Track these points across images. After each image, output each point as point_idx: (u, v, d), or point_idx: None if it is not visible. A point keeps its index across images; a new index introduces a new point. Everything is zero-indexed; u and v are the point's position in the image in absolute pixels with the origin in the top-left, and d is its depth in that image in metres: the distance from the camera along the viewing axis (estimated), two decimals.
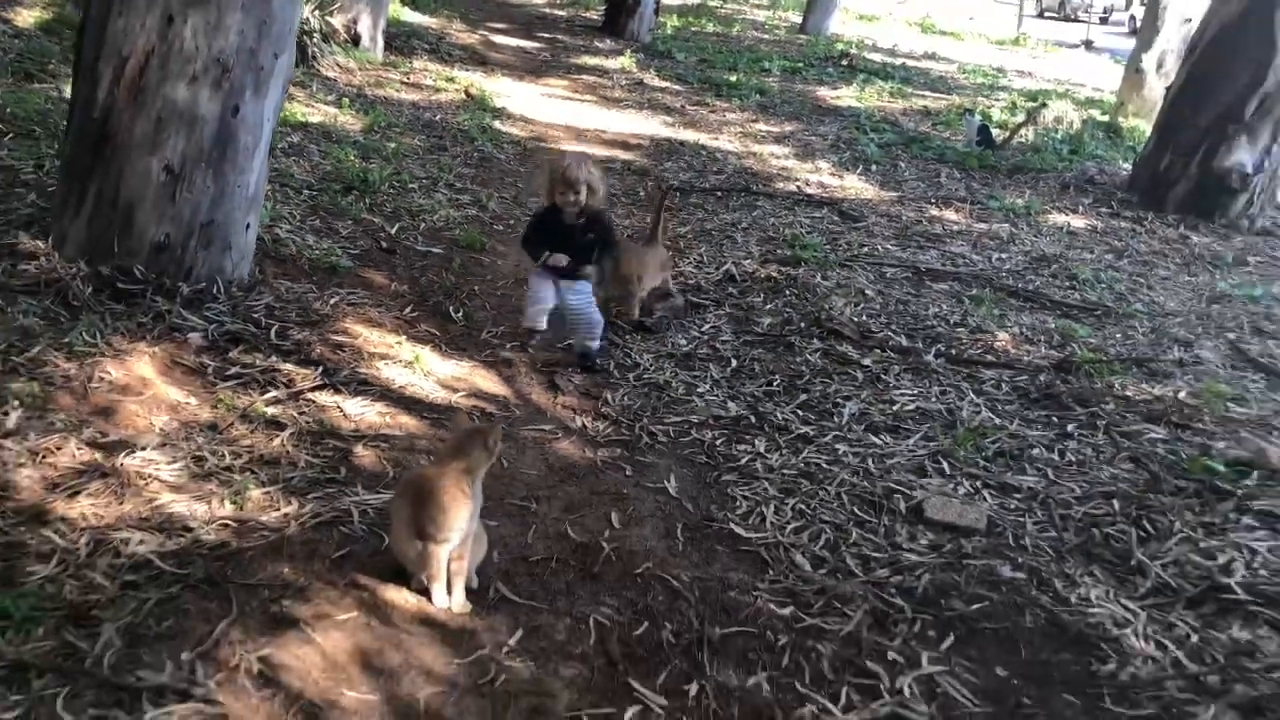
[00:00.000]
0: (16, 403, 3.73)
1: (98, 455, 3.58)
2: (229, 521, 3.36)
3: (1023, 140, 11.81)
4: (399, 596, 3.13)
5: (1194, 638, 3.22)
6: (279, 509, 3.48)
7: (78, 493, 3.37)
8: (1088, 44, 27.85)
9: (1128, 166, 10.61)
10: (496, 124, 10.15)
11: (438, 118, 9.86)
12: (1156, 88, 12.56)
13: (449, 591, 3.11)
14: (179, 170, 4.72)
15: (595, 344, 5.07)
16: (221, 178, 4.83)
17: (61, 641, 2.73)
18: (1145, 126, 11.78)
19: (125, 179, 4.69)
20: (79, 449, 3.59)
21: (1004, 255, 7.76)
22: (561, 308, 5.05)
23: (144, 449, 3.67)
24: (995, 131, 11.62)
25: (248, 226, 5.07)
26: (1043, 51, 24.56)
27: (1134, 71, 13.65)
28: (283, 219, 6.08)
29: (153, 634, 2.81)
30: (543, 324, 5.10)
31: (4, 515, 3.18)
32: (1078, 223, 8.96)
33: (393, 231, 6.49)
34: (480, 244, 6.58)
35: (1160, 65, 13.22)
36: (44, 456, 3.51)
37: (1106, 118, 13.43)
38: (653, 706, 2.81)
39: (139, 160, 4.68)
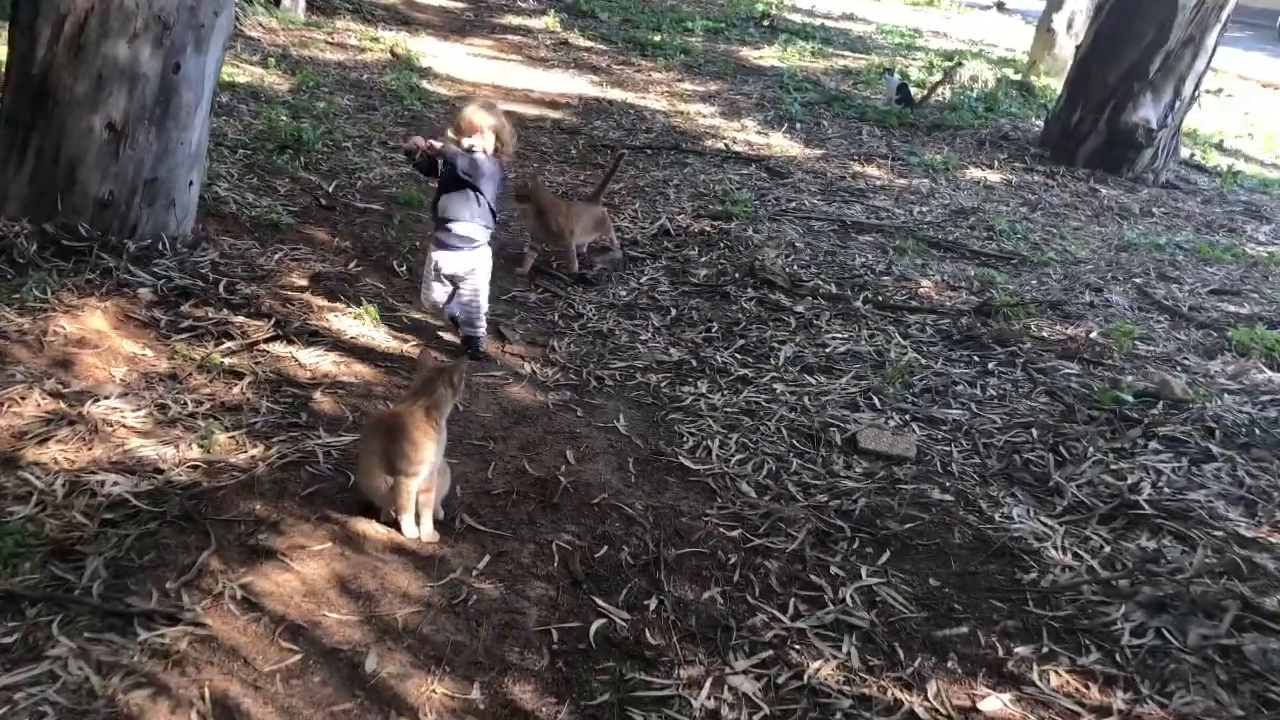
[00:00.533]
0: None
1: (62, 404, 3.67)
2: (198, 463, 3.48)
3: (940, 99, 12.15)
4: (370, 529, 3.29)
5: (1106, 549, 3.52)
6: (246, 451, 3.61)
7: (47, 439, 3.46)
8: (1000, 5, 28.37)
9: (1040, 123, 10.99)
10: (424, 83, 10.17)
11: (365, 77, 9.86)
12: (1067, 47, 12.97)
13: (417, 523, 3.28)
14: (121, 128, 4.76)
15: (480, 329, 4.70)
16: (164, 135, 4.88)
17: (49, 574, 2.85)
18: (1056, 85, 12.17)
19: (67, 136, 4.72)
20: (42, 399, 3.68)
21: (925, 208, 8.06)
22: (453, 280, 4.63)
23: (107, 398, 3.77)
24: (914, 90, 11.93)
25: (190, 183, 5.13)
26: (956, 13, 24.98)
27: (1045, 31, 14.07)
28: (221, 177, 6.12)
29: (136, 566, 2.94)
30: (440, 296, 4.69)
31: None
32: (993, 177, 9.31)
33: (330, 189, 6.56)
34: (418, 200, 6.67)
35: (1070, 25, 13.64)
36: (8, 406, 3.60)
37: (1019, 77, 13.83)
38: (616, 620, 3.03)
39: (81, 118, 4.71)
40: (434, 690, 2.68)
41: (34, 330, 4.06)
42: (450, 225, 4.55)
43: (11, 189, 4.79)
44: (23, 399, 3.65)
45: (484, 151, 4.45)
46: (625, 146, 9.00)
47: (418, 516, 3.29)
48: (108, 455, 3.44)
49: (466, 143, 4.42)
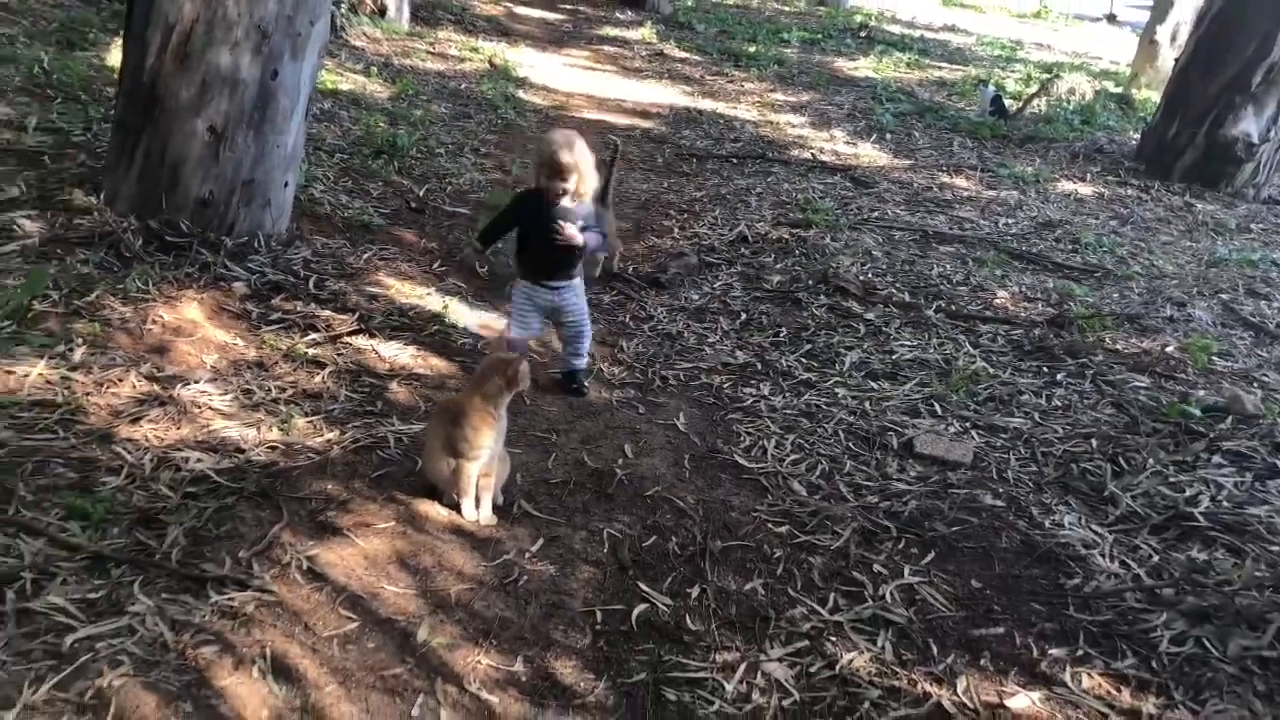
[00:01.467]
0: (80, 340, 4.08)
1: (155, 387, 3.93)
2: (277, 445, 3.71)
3: (1035, 111, 12.03)
4: (432, 510, 3.47)
5: (1155, 558, 3.53)
6: (322, 435, 3.82)
7: (140, 418, 3.72)
8: (1111, 17, 27.81)
9: (1137, 137, 10.82)
10: (519, 93, 10.44)
11: (462, 86, 10.16)
12: (1169, 59, 12.70)
13: (477, 506, 3.45)
14: (222, 131, 5.04)
15: (584, 360, 4.59)
16: (261, 138, 5.16)
17: (133, 540, 3.08)
18: (1157, 97, 11.94)
19: (172, 139, 5.02)
20: (138, 381, 3.94)
21: (1010, 220, 8.03)
22: (553, 316, 4.50)
23: (197, 382, 4.02)
24: (1008, 102, 11.84)
25: (286, 184, 5.40)
26: (1064, 25, 24.59)
27: (1148, 43, 13.81)
28: (317, 180, 6.41)
29: (213, 536, 3.16)
30: (538, 329, 4.55)
31: (76, 435, 3.53)
32: (1085, 190, 9.20)
33: (421, 193, 6.82)
34: (503, 204, 6.87)
35: (1174, 37, 13.38)
36: (107, 387, 3.87)
37: (1120, 89, 13.60)
38: (658, 605, 3.15)
39: (185, 122, 5.01)
40: (479, 661, 2.83)
41: (135, 319, 4.33)
42: (554, 284, 4.39)
43: (121, 188, 5.11)
44: (121, 381, 3.91)
45: (579, 195, 4.22)
46: (712, 155, 9.13)
47: (477, 500, 3.46)
48: (194, 434, 3.68)
49: (562, 186, 4.15)
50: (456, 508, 3.47)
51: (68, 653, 2.61)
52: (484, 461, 3.39)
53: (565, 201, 4.20)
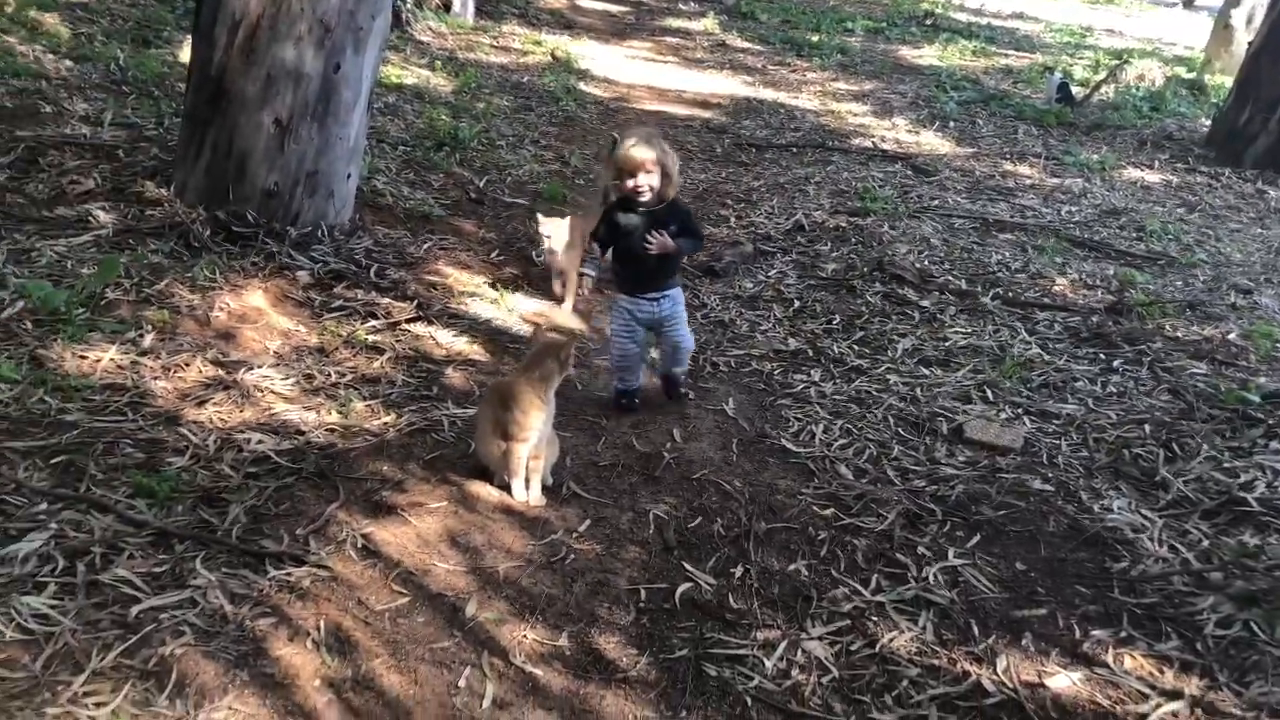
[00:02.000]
0: (149, 327, 4.23)
1: (221, 372, 4.06)
2: (335, 427, 3.82)
3: (1103, 98, 11.84)
4: (483, 491, 3.56)
5: (1205, 542, 3.49)
6: (379, 418, 3.93)
7: (205, 401, 3.85)
8: (1187, 2, 27.19)
9: (1208, 123, 10.60)
10: (581, 85, 10.53)
11: (525, 79, 10.27)
12: (1244, 44, 12.42)
13: (526, 487, 3.53)
14: (287, 123, 5.18)
15: (685, 366, 4.45)
16: (325, 130, 5.28)
17: (196, 517, 3.20)
18: (1231, 83, 11.70)
19: (239, 132, 5.17)
20: (204, 366, 4.08)
21: (1074, 208, 7.93)
22: (654, 328, 4.29)
23: (260, 367, 4.15)
24: (1076, 89, 11.66)
25: (349, 176, 5.53)
26: (1137, 10, 24.10)
27: (1222, 28, 13.51)
28: (379, 172, 6.55)
29: (272, 514, 3.27)
30: (636, 382, 4.34)
31: (145, 417, 3.68)
32: (1152, 178, 9.05)
33: (481, 184, 6.92)
34: (562, 196, 6.97)
35: (1249, 21, 13.08)
36: (175, 372, 4.01)
37: (1193, 75, 13.31)
38: (702, 584, 3.20)
39: (251, 114, 5.15)
40: (525, 636, 2.91)
41: (202, 306, 4.48)
42: (652, 295, 4.19)
43: (190, 180, 5.28)
44: (187, 365, 4.05)
45: (651, 190, 4.00)
46: (771, 145, 9.13)
47: (527, 481, 3.54)
48: (256, 417, 3.80)
49: (631, 183, 3.97)
50: (507, 488, 3.55)
51: (133, 623, 2.73)
52: (533, 444, 3.47)
53: (648, 202, 4.01)
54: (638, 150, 3.96)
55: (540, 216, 5.35)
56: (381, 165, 6.68)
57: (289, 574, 3.00)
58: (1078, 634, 3.04)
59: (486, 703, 2.66)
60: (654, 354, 4.55)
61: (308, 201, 5.35)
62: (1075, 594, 3.23)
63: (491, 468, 3.59)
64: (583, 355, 4.76)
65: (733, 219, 7.05)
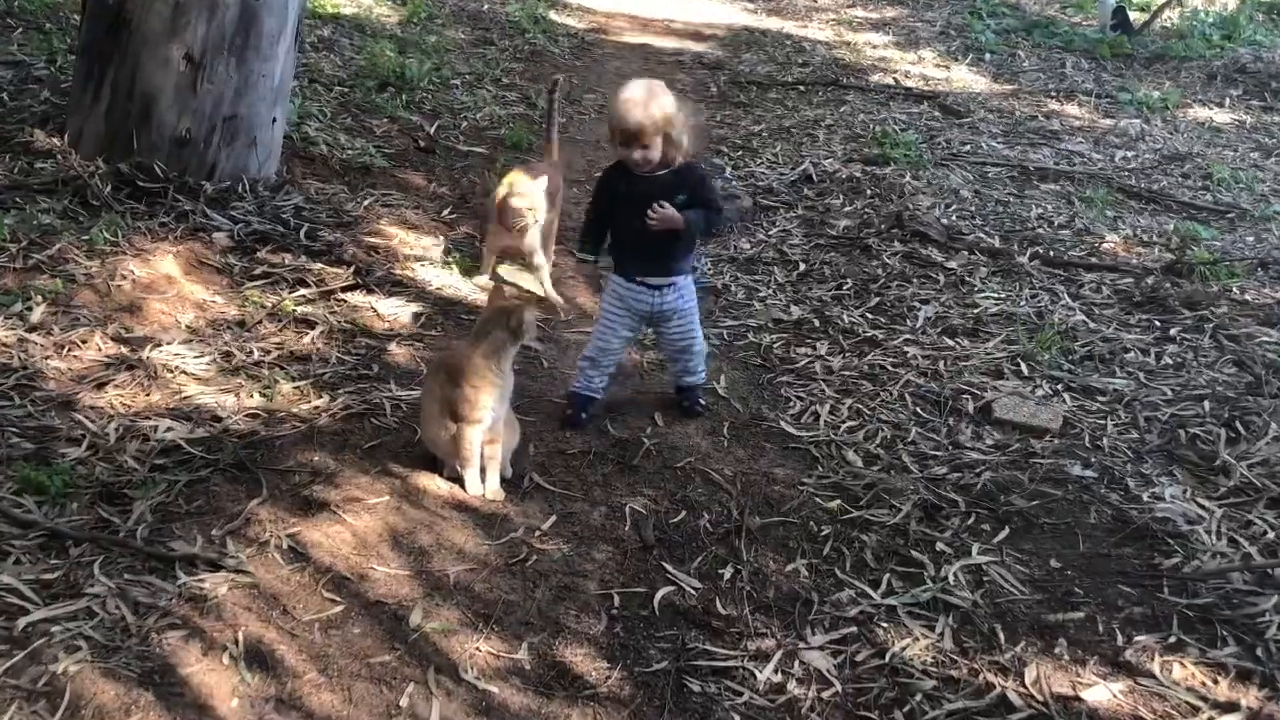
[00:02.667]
0: (40, 298, 4.27)
1: (123, 349, 4.10)
2: (258, 412, 3.86)
3: (1166, 24, 11.88)
4: (431, 484, 3.60)
5: (1270, 534, 3.55)
6: (309, 402, 3.97)
7: (105, 384, 3.89)
8: None
9: None
10: (551, 14, 10.55)
11: (484, 7, 10.30)
12: None
13: (482, 478, 3.57)
14: (200, 59, 5.19)
15: (700, 375, 4.25)
16: (245, 66, 5.30)
17: (95, 516, 3.24)
18: None
19: (143, 69, 5.18)
20: (104, 343, 4.11)
21: (1129, 153, 8.00)
22: (656, 325, 4.15)
23: (170, 344, 4.19)
24: (1134, 15, 11.71)
25: (274, 120, 5.55)
26: None
27: None
28: (312, 116, 6.57)
29: (183, 512, 3.31)
30: (600, 384, 4.15)
31: (34, 402, 3.71)
32: (1222, 118, 9.11)
33: (431, 130, 6.96)
34: (527, 143, 7.00)
35: None
36: (69, 350, 4.04)
37: None
38: (685, 587, 3.25)
39: (157, 49, 5.17)
40: (478, 648, 2.95)
41: (102, 274, 4.51)
42: (653, 282, 4.03)
43: (86, 126, 5.29)
44: (84, 343, 4.08)
45: (649, 162, 3.82)
46: (775, 83, 9.16)
47: (483, 471, 3.58)
48: (165, 401, 3.84)
49: (641, 154, 3.79)
50: (459, 480, 3.59)
51: (20, 637, 2.77)
52: (486, 425, 3.51)
53: (654, 167, 3.84)
54: (631, 112, 3.74)
55: (506, 182, 4.99)
56: (314, 109, 6.70)
57: (202, 580, 3.04)
58: (1120, 640, 3.09)
59: None
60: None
61: (226, 151, 5.37)
62: (1118, 595, 3.29)
63: (440, 456, 3.63)
64: (550, 327, 4.80)
65: (729, 169, 7.09)
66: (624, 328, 4.09)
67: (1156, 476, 3.89)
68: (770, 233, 6.08)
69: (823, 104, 8.69)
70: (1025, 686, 2.92)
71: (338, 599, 3.07)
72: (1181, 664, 3.00)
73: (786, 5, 12.10)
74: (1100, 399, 4.42)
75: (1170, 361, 4.73)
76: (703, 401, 4.24)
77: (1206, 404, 4.33)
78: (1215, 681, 2.95)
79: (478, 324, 3.65)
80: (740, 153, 7.44)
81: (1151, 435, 4.16)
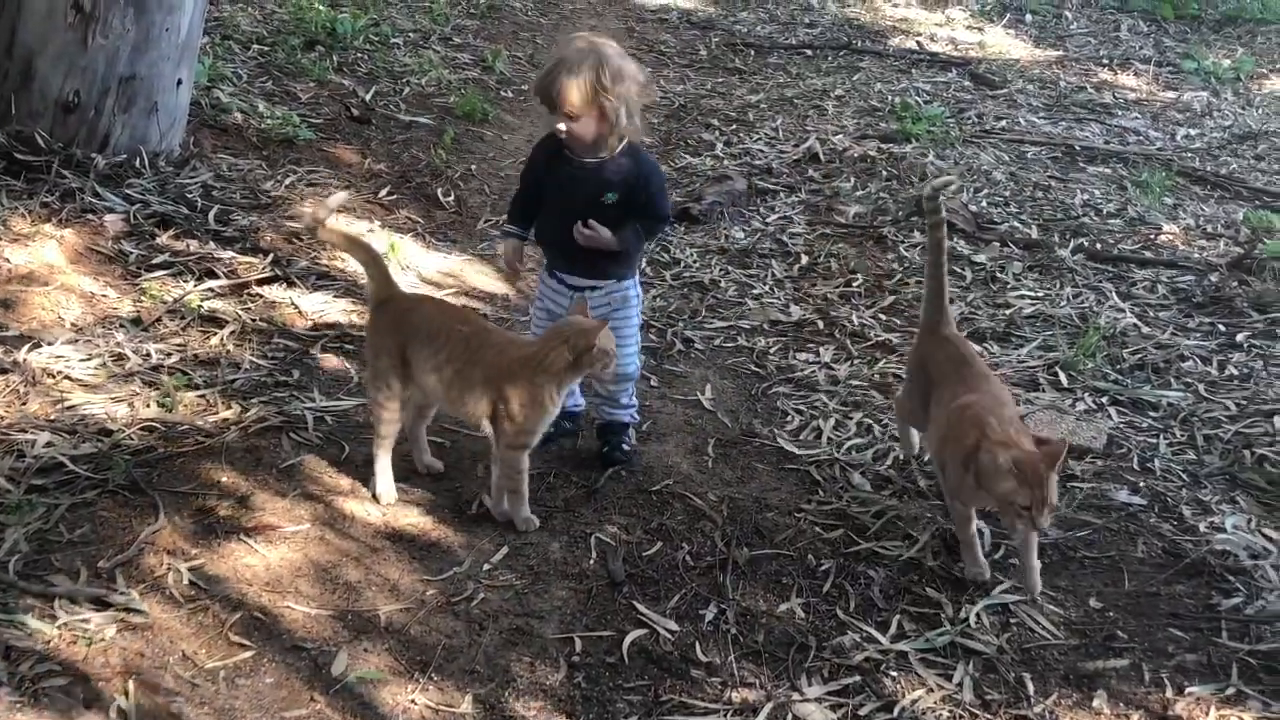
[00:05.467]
0: None
1: None
2: (155, 425, 3.88)
3: None
4: (360, 509, 3.63)
5: None
6: (216, 413, 3.99)
7: None
8: None
9: None
10: None
11: None
12: None
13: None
14: (90, 8, 5.21)
15: (627, 410, 4.08)
16: (145, 18, 5.32)
17: None
18: None
19: (23, 21, 5.21)
20: None
21: (1193, 131, 8.10)
22: None
23: (52, 344, 4.21)
24: None
25: (179, 83, 5.58)
26: None
27: None
28: (225, 79, 6.61)
29: (65, 540, 3.33)
30: None
31: None
32: None
33: (367, 97, 7.00)
34: (481, 113, 7.06)
35: None
36: None
37: None
38: (660, 630, 3.28)
39: None
40: (413, 700, 2.98)
41: None
42: (576, 282, 3.92)
43: None
44: None
45: (579, 139, 3.72)
46: (777, 46, 9.24)
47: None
48: (44, 411, 3.86)
49: (569, 126, 3.69)
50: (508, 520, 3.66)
51: None
52: (531, 449, 3.60)
53: (581, 151, 3.77)
54: (554, 73, 3.66)
55: None
56: (228, 70, 6.75)
57: (87, 620, 3.06)
58: (1170, 691, 3.13)
59: None
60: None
61: (121, 119, 5.40)
62: (1169, 639, 3.33)
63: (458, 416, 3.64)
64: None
65: (719, 146, 7.16)
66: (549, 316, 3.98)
67: (1216, 504, 3.95)
68: (768, 220, 6.14)
69: (832, 71, 8.78)
70: None
71: (247, 643, 3.08)
72: (1240, 718, 3.05)
73: None
74: (1152, 414, 4.48)
75: (1235, 371, 4.80)
76: (628, 446, 4.07)
77: (1276, 420, 4.39)
78: None
79: (544, 335, 3.65)
80: (734, 126, 7.50)
81: (1211, 456, 4.22)
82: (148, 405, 3.98)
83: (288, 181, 5.76)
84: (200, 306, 4.59)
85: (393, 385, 3.62)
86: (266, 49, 7.27)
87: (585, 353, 3.47)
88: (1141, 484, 4.04)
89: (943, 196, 4.13)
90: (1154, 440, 4.30)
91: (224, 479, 3.68)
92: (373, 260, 3.79)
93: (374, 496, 3.70)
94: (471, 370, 3.54)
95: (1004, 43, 9.95)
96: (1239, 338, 5.06)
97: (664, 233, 4.06)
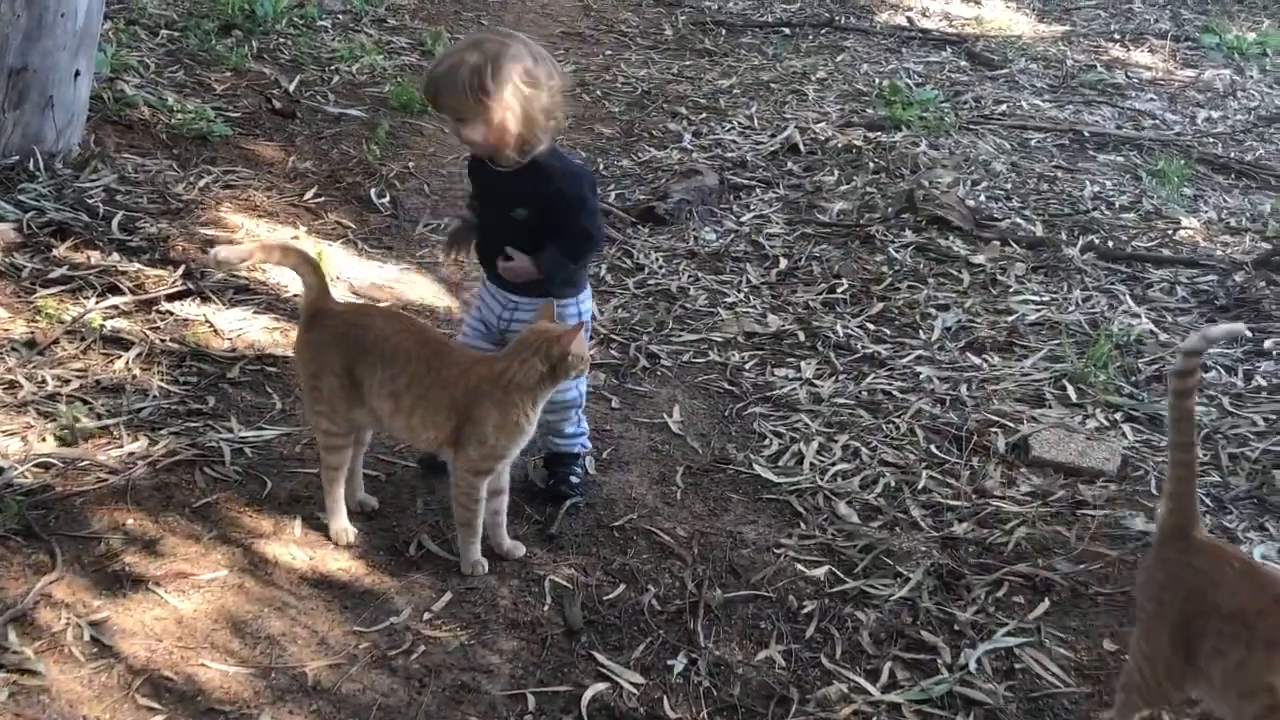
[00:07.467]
0: None
1: None
2: (51, 461, 3.86)
3: None
4: (284, 553, 3.61)
5: None
6: (122, 446, 3.97)
7: None
8: None
9: None
10: None
11: None
12: None
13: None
14: None
15: (575, 440, 4.05)
16: (37, 2, 5.30)
17: None
18: None
19: None
20: None
21: (1215, 113, 8.16)
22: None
23: None
24: None
25: (77, 74, 5.56)
26: None
27: None
28: (130, 70, 6.60)
29: None
30: None
31: None
32: None
33: (291, 87, 7.00)
34: (420, 104, 7.04)
35: None
36: None
37: None
38: (623, 684, 3.27)
39: None
40: None
41: None
42: (508, 294, 3.89)
43: None
44: None
45: (475, 146, 3.75)
46: (751, 24, 9.26)
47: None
48: None
49: (463, 134, 3.70)
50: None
51: None
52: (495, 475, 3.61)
53: (492, 155, 3.75)
54: (433, 74, 3.70)
55: None
56: (133, 60, 6.73)
57: None
58: None
59: None
60: None
61: (12, 116, 5.38)
62: None
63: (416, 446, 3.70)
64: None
65: (688, 137, 7.16)
66: (483, 340, 3.97)
67: (1243, 531, 3.97)
68: (743, 219, 6.15)
69: (813, 51, 8.81)
70: None
71: (156, 706, 3.07)
72: None
73: None
74: None
75: (1264, 383, 4.82)
76: (577, 479, 4.03)
77: None
78: None
79: (513, 344, 3.60)
80: (704, 114, 7.51)
81: (1237, 478, 4.24)
82: (43, 439, 3.96)
83: (202, 183, 5.74)
84: (103, 326, 4.57)
85: (338, 408, 3.60)
86: (177, 35, 7.26)
87: (560, 361, 3.45)
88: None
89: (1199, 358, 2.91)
90: None
91: (130, 521, 3.66)
92: (308, 266, 3.77)
93: (330, 537, 3.68)
94: (437, 394, 3.53)
95: (1004, 17, 10.00)
96: (1267, 344, 5.09)
97: (596, 252, 4.11)
